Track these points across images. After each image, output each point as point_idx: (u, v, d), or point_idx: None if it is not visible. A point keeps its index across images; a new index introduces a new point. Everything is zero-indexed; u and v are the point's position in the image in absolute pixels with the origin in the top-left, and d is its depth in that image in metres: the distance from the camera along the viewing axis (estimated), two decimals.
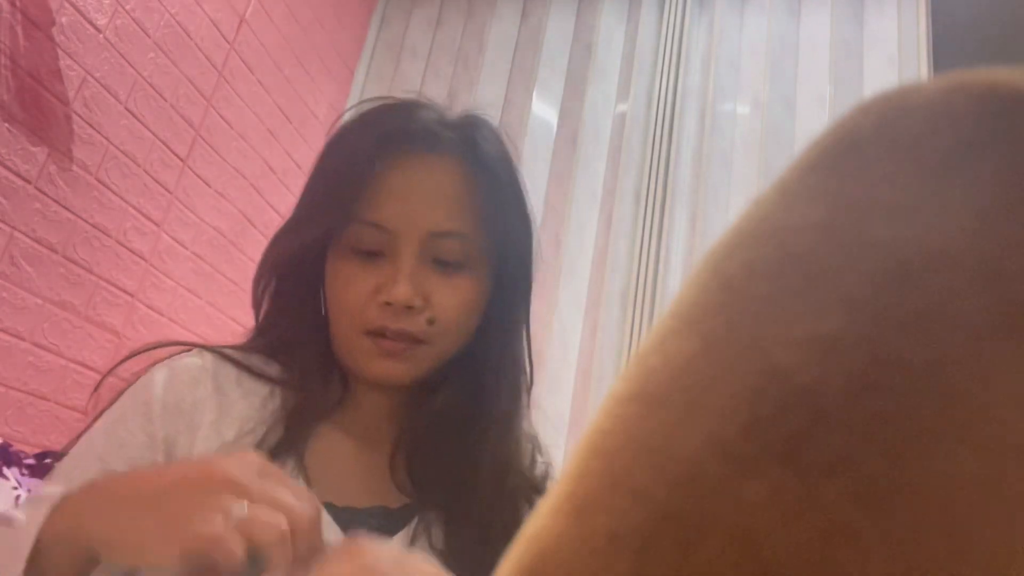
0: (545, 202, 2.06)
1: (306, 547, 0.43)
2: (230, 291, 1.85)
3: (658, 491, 0.14)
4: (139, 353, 0.68)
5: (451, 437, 0.66)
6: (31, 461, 1.26)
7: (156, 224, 1.63)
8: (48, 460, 1.27)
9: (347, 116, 0.70)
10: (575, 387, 1.87)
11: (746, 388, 0.13)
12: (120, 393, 0.64)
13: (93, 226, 1.48)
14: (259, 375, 0.67)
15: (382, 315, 0.63)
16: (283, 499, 0.43)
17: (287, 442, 0.63)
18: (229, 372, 0.66)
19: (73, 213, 1.43)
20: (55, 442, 1.42)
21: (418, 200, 0.64)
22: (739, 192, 1.95)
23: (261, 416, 0.64)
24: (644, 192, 2.00)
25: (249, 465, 0.45)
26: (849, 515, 0.12)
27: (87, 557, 0.46)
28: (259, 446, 0.61)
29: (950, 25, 2.09)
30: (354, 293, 0.64)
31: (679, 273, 1.91)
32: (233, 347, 0.69)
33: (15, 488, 1.17)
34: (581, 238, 2.02)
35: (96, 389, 0.68)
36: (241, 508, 0.42)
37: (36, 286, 1.38)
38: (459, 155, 0.66)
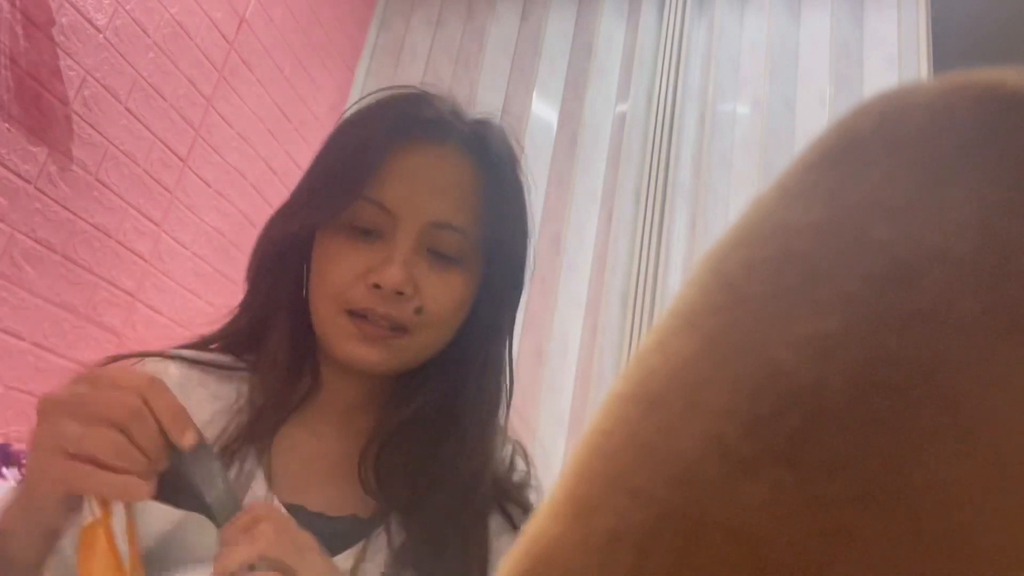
0: (545, 202, 2.06)
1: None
2: (230, 291, 1.85)
3: (658, 491, 0.14)
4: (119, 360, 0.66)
5: (425, 440, 0.64)
6: None
7: (156, 224, 1.63)
8: None
9: (359, 104, 0.68)
10: (575, 387, 1.87)
11: (746, 387, 0.13)
12: None
13: (93, 226, 1.48)
14: (223, 367, 0.65)
15: (369, 297, 0.61)
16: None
17: (249, 432, 0.61)
18: (192, 375, 0.64)
19: (73, 213, 1.43)
20: None
21: (424, 187, 0.63)
22: (739, 192, 1.95)
23: (227, 410, 0.62)
24: (644, 192, 2.00)
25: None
26: (849, 515, 0.12)
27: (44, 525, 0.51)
28: (220, 438, 0.60)
29: (950, 25, 2.09)
30: (342, 270, 0.62)
31: (679, 273, 1.90)
32: (198, 344, 0.67)
33: None
34: (581, 238, 2.01)
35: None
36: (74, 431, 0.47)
37: (36, 286, 1.38)
38: (468, 150, 0.66)
